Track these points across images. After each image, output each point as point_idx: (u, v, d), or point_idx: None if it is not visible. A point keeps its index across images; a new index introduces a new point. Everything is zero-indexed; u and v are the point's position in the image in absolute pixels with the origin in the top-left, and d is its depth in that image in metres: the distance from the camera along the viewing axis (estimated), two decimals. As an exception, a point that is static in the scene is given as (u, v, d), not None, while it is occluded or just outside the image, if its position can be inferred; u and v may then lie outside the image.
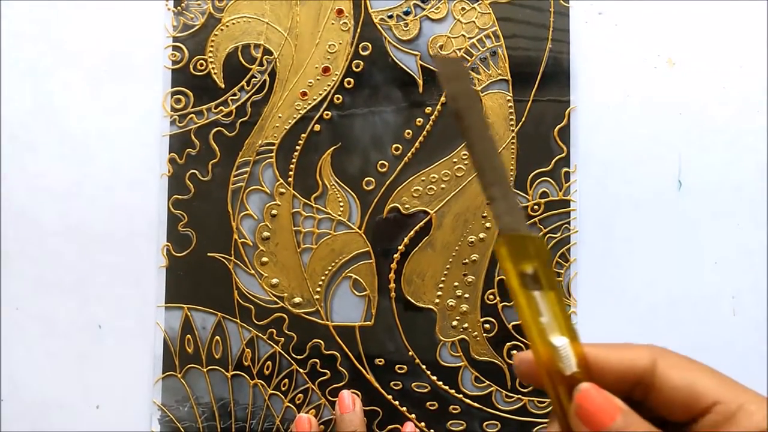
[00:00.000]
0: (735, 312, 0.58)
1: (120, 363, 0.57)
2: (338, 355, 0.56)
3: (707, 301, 0.58)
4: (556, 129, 0.57)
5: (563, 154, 0.57)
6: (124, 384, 0.57)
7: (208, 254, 0.56)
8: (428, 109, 0.57)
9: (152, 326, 0.56)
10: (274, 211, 0.56)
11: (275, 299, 0.56)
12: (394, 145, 0.57)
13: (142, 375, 0.57)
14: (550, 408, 0.55)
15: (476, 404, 0.55)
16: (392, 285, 0.56)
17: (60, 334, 0.58)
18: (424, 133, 0.57)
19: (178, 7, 0.58)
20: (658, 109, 0.59)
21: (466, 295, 0.56)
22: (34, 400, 0.58)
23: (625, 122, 0.58)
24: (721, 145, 0.58)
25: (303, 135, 0.57)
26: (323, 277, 0.56)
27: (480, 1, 0.57)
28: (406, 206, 0.57)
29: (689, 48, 0.59)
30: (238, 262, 0.56)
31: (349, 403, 0.54)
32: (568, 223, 0.57)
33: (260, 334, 0.56)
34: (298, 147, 0.57)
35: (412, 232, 0.57)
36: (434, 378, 0.56)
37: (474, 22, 0.57)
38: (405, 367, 0.55)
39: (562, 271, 0.56)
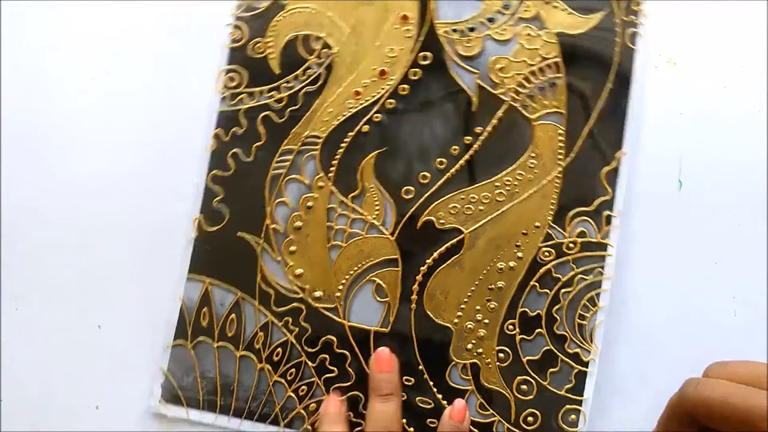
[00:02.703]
0: (735, 312, 0.57)
1: (120, 363, 0.57)
2: (349, 355, 0.55)
3: (707, 302, 0.57)
4: (605, 170, 0.56)
5: (607, 197, 0.55)
6: (125, 384, 0.57)
7: (238, 233, 0.56)
8: (479, 129, 0.57)
9: (171, 294, 0.55)
10: (310, 203, 0.56)
11: (297, 289, 0.56)
12: (439, 159, 0.56)
13: (143, 375, 0.57)
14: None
15: (476, 431, 0.54)
16: (414, 297, 0.56)
17: (60, 334, 0.58)
18: (471, 152, 0.56)
19: (245, -13, 0.57)
20: (658, 109, 0.58)
21: (486, 321, 0.55)
22: (34, 400, 0.57)
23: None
24: (721, 145, 0.58)
25: (350, 133, 0.57)
26: (347, 276, 0.56)
27: (547, 30, 0.57)
28: (441, 221, 0.56)
29: (689, 48, 0.59)
30: (267, 247, 0.56)
31: (388, 362, 0.54)
32: (602, 267, 0.55)
33: (276, 321, 0.55)
34: (343, 144, 0.56)
35: (443, 248, 0.56)
36: (440, 396, 0.55)
37: (538, 49, 0.57)
38: (412, 379, 0.55)
39: (588, 315, 0.55)
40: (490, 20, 0.57)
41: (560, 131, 0.57)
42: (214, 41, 0.59)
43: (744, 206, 0.58)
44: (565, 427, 0.55)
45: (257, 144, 0.57)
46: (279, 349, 0.56)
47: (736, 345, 0.57)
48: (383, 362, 0.54)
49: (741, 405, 0.45)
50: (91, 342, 0.58)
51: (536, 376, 0.56)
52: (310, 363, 0.56)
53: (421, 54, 0.58)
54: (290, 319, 0.56)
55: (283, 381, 0.56)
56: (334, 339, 0.56)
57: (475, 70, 0.57)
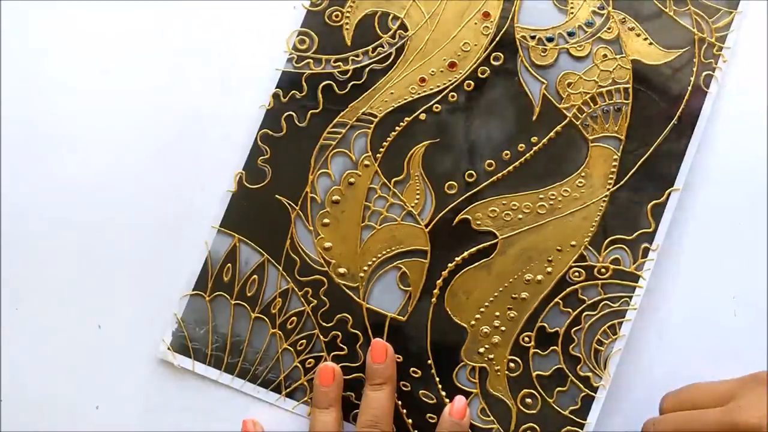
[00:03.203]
0: (736, 312, 0.57)
1: (120, 363, 0.58)
2: (361, 336, 0.56)
3: (707, 302, 0.57)
4: (651, 203, 0.55)
5: (649, 230, 0.55)
6: (125, 384, 0.58)
7: (276, 195, 0.56)
8: (534, 139, 0.56)
9: (200, 243, 0.56)
10: (352, 179, 0.56)
11: (323, 262, 0.56)
12: (488, 161, 0.56)
13: (143, 375, 0.58)
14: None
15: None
16: (437, 291, 0.56)
17: (60, 334, 0.58)
18: (522, 160, 0.56)
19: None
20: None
21: (503, 328, 0.56)
22: (34, 400, 0.58)
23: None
24: (721, 145, 0.58)
25: (407, 118, 0.57)
26: (375, 259, 0.56)
27: (623, 55, 0.56)
28: (478, 222, 0.56)
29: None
30: (302, 215, 0.56)
31: (382, 354, 0.55)
32: (630, 298, 0.55)
33: (296, 289, 0.56)
34: (398, 128, 0.57)
35: (474, 249, 0.55)
36: (443, 394, 0.55)
37: (611, 72, 0.56)
38: (420, 372, 0.55)
39: (606, 341, 0.54)
40: (570, 34, 0.57)
41: (615, 157, 0.56)
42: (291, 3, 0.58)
43: (744, 206, 0.58)
44: (561, 448, 0.55)
45: (313, 111, 0.57)
46: (294, 318, 0.56)
47: (736, 345, 0.57)
48: (377, 353, 0.55)
49: (696, 429, 0.48)
50: (91, 342, 0.58)
51: (543, 392, 0.56)
52: (322, 337, 0.56)
53: (494, 53, 0.57)
54: (310, 290, 0.56)
55: (292, 350, 0.56)
56: (350, 318, 0.56)
57: (544, 80, 0.57)
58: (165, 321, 0.58)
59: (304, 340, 0.56)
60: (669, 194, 0.56)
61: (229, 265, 0.56)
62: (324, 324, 0.56)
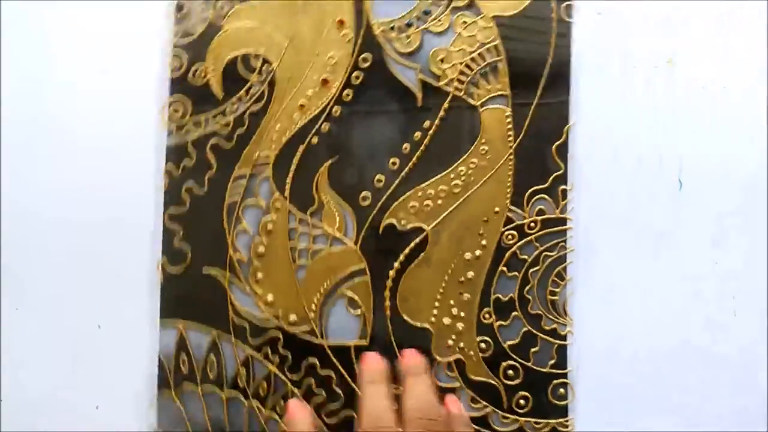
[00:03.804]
0: (736, 312, 0.58)
1: (120, 363, 0.57)
2: (334, 375, 0.56)
3: (707, 302, 0.57)
4: (554, 146, 0.56)
5: (560, 172, 0.56)
6: (124, 383, 0.57)
7: (204, 270, 0.55)
8: (426, 124, 0.56)
9: (147, 343, 0.55)
10: (269, 227, 0.56)
11: (270, 317, 0.56)
12: (392, 160, 0.56)
13: (143, 375, 0.57)
14: (547, 428, 0.55)
15: (474, 426, 0.55)
16: (388, 303, 0.56)
17: (60, 334, 0.57)
18: (422, 147, 0.56)
19: (179, 14, 0.56)
20: (658, 109, 0.58)
21: (462, 314, 0.56)
22: (34, 400, 0.57)
23: (625, 124, 0.58)
24: (721, 146, 0.58)
25: (301, 147, 0.56)
26: (318, 295, 0.56)
27: (483, 15, 0.56)
28: (403, 222, 0.56)
29: (689, 48, 0.58)
30: (234, 279, 0.55)
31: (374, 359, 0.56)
32: (565, 241, 0.56)
33: (255, 354, 0.55)
34: (295, 160, 0.56)
35: (407, 249, 0.56)
36: (429, 396, 0.56)
37: (475, 36, 0.57)
38: (401, 387, 0.55)
39: (558, 290, 0.56)
40: (426, 13, 0.57)
41: (507, 113, 0.57)
42: (153, 74, 0.56)
43: (744, 206, 0.58)
44: (555, 402, 0.56)
45: (209, 174, 0.56)
46: (264, 383, 0.56)
47: (736, 345, 0.57)
48: (369, 359, 0.56)
49: None
50: (91, 342, 0.58)
51: (520, 359, 0.56)
52: (296, 390, 0.56)
53: (361, 56, 0.57)
54: (269, 350, 0.56)
55: (274, 415, 0.56)
56: (317, 362, 0.56)
57: (416, 65, 0.57)
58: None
59: (282, 401, 0.56)
60: (567, 131, 0.56)
61: (183, 355, 0.56)
62: (294, 377, 0.56)
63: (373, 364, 0.56)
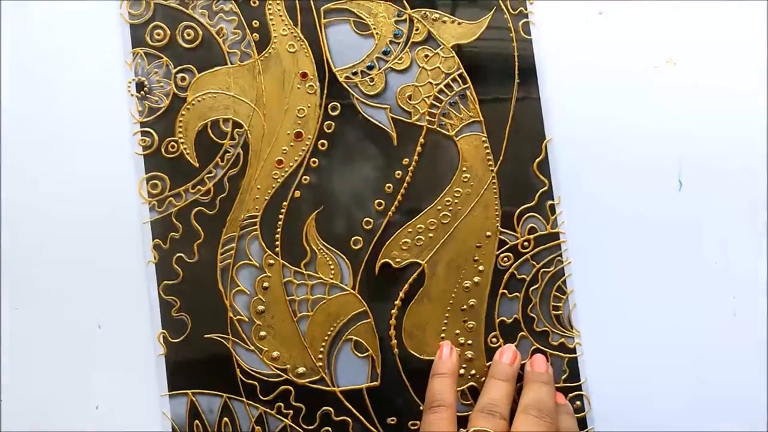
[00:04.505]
0: (735, 312, 0.58)
1: (120, 363, 0.57)
2: (349, 420, 0.55)
3: (707, 302, 0.58)
4: (535, 163, 0.57)
5: (545, 188, 0.57)
6: (125, 384, 0.57)
7: (205, 336, 0.56)
8: (405, 161, 0.57)
9: (158, 415, 0.55)
10: (265, 284, 0.56)
11: (279, 372, 0.56)
12: (377, 201, 0.57)
13: (143, 375, 0.57)
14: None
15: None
16: (393, 341, 0.56)
17: (60, 334, 0.57)
18: (405, 185, 0.57)
19: (141, 92, 0.57)
20: (658, 109, 0.59)
21: (469, 342, 0.56)
22: (34, 400, 0.57)
23: (623, 124, 0.59)
24: (721, 145, 0.59)
25: (284, 203, 0.57)
26: (323, 344, 0.56)
27: (442, 46, 0.57)
28: (397, 260, 0.56)
29: (689, 48, 0.59)
30: (237, 340, 0.56)
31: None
32: (560, 255, 0.56)
33: (268, 410, 0.56)
34: (281, 216, 0.57)
35: (406, 286, 0.56)
36: (448, 429, 0.55)
37: (439, 67, 0.57)
38: (418, 422, 0.55)
39: (560, 304, 0.56)
40: (386, 53, 0.58)
41: (483, 139, 0.57)
42: (126, 153, 0.57)
43: (744, 206, 0.59)
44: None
45: (198, 242, 0.57)
46: (281, 437, 0.56)
47: (736, 345, 0.58)
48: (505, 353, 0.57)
49: None
50: (91, 342, 0.58)
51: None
52: (314, 439, 0.56)
53: (330, 105, 0.58)
54: (282, 404, 0.56)
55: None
56: (331, 409, 0.56)
57: (385, 105, 0.58)
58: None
59: (300, 452, 0.56)
60: (545, 147, 0.57)
61: (196, 422, 0.56)
62: (310, 427, 0.56)
63: (506, 360, 0.57)
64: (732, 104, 0.59)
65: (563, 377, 0.56)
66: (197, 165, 0.57)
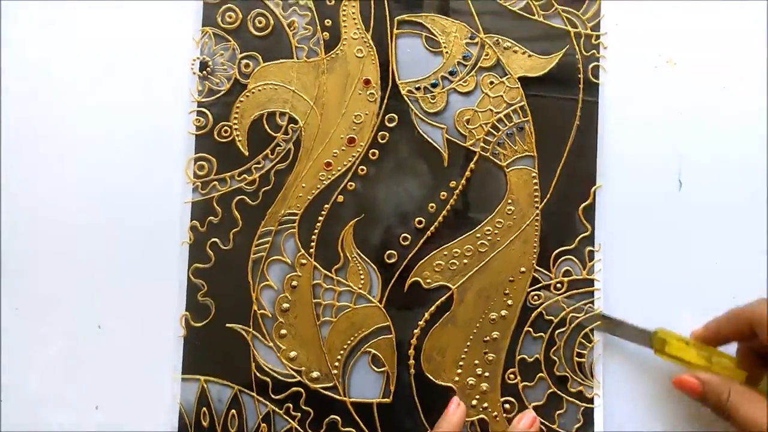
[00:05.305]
0: None
1: (120, 363, 0.57)
2: (355, 432, 0.55)
3: (707, 302, 0.57)
4: (581, 207, 0.56)
5: (587, 233, 0.56)
6: (124, 384, 0.57)
7: (227, 325, 0.55)
8: (452, 183, 0.56)
9: (169, 397, 0.55)
10: (294, 283, 0.56)
11: (293, 373, 0.56)
12: (417, 219, 0.56)
13: (142, 375, 0.57)
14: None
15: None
16: (412, 361, 0.56)
17: (60, 334, 0.57)
18: (448, 207, 0.56)
19: (204, 72, 0.57)
20: (658, 109, 0.59)
21: (486, 374, 0.56)
22: (34, 400, 0.57)
23: (628, 126, 0.59)
24: (721, 145, 0.59)
25: (326, 206, 0.56)
26: (342, 352, 0.56)
27: (509, 76, 0.57)
28: (428, 281, 0.56)
29: (689, 48, 0.59)
30: (257, 334, 0.56)
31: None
32: (592, 302, 0.56)
33: (277, 409, 0.55)
34: (320, 218, 0.56)
35: (433, 308, 0.56)
36: (451, 458, 0.55)
37: (502, 96, 0.57)
38: (423, 447, 0.55)
39: (585, 352, 0.55)
40: (452, 74, 0.57)
41: (533, 174, 0.57)
42: (179, 130, 0.57)
43: (744, 206, 0.58)
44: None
45: (235, 230, 0.57)
46: (285, 439, 0.55)
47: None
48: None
49: None
50: (91, 342, 0.58)
51: (545, 421, 0.56)
52: (318, 446, 0.55)
53: (387, 116, 0.57)
54: (291, 405, 0.56)
55: (295, 472, 0.55)
56: (338, 419, 0.56)
57: (442, 125, 0.57)
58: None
59: (301, 456, 0.55)
60: (594, 193, 0.56)
61: (204, 409, 0.56)
62: (315, 433, 0.55)
63: (524, 426, 0.57)
64: (732, 104, 0.59)
65: (576, 426, 0.55)
66: (247, 154, 0.57)
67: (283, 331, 0.56)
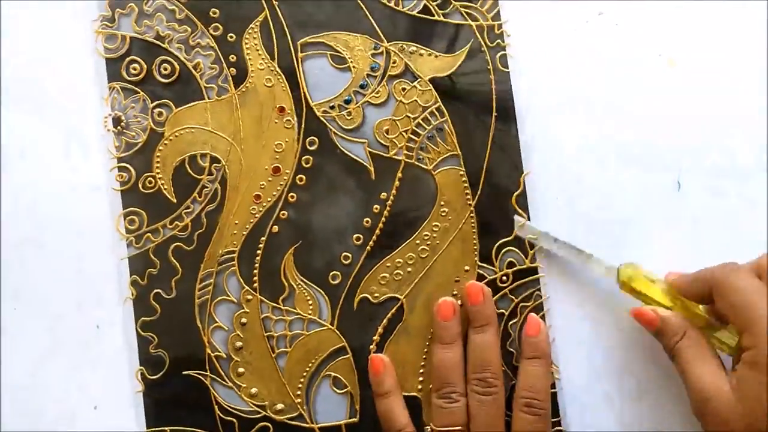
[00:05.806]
0: None
1: (120, 363, 0.58)
2: (328, 456, 0.55)
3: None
4: (514, 196, 0.56)
5: (524, 221, 0.56)
6: (124, 384, 0.58)
7: (183, 372, 0.56)
8: (383, 195, 0.57)
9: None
10: (243, 320, 0.56)
11: (257, 409, 0.56)
12: (355, 235, 0.57)
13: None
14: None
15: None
16: (372, 377, 0.56)
17: (60, 334, 0.58)
18: (383, 219, 0.57)
19: (118, 127, 0.57)
20: (658, 109, 0.59)
21: (447, 377, 0.56)
22: (34, 400, 0.58)
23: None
24: (720, 146, 0.59)
25: (262, 238, 0.57)
26: (302, 380, 0.56)
27: (419, 79, 0.57)
28: (376, 295, 0.56)
29: (689, 48, 0.60)
30: (215, 377, 0.56)
31: (479, 294, 0.56)
32: (539, 290, 0.56)
33: (247, 448, 0.55)
34: (258, 251, 0.56)
35: (384, 321, 0.56)
36: (427, 465, 0.55)
37: (416, 100, 0.57)
38: (396, 459, 0.55)
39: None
40: (363, 87, 0.58)
41: (461, 173, 0.57)
42: (103, 189, 0.57)
43: (744, 207, 0.59)
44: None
45: (176, 278, 0.57)
46: (259, 476, 0.56)
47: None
48: (473, 296, 0.58)
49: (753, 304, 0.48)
50: (91, 342, 0.58)
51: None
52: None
53: (308, 140, 0.57)
54: (260, 441, 0.56)
55: None
56: (310, 446, 0.56)
57: (363, 140, 0.58)
58: None
59: (279, 492, 0.56)
60: (523, 180, 0.57)
61: (174, 459, 0.56)
62: (289, 465, 0.56)
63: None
64: (732, 104, 0.60)
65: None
66: (175, 200, 0.57)
67: (241, 369, 0.56)
